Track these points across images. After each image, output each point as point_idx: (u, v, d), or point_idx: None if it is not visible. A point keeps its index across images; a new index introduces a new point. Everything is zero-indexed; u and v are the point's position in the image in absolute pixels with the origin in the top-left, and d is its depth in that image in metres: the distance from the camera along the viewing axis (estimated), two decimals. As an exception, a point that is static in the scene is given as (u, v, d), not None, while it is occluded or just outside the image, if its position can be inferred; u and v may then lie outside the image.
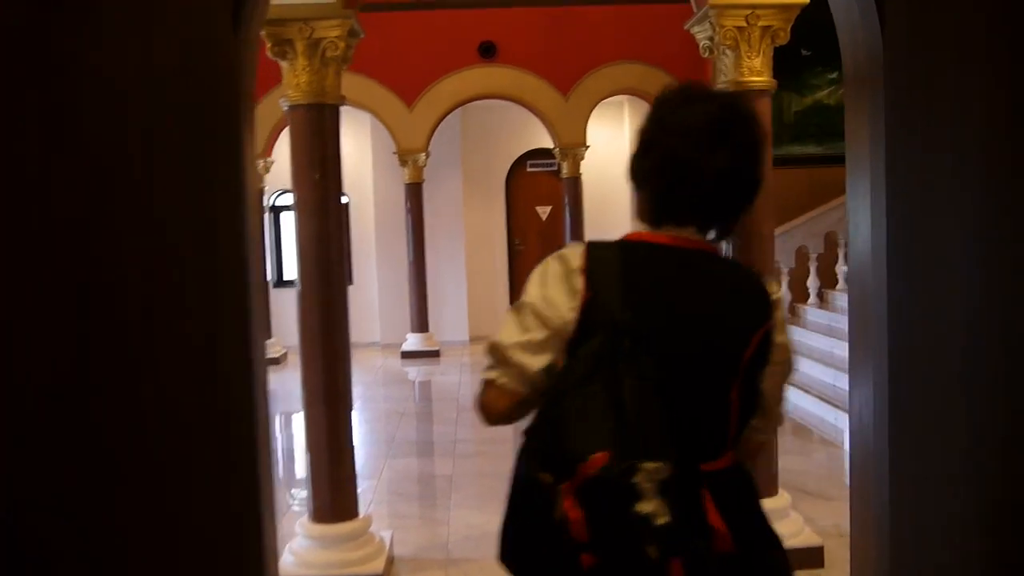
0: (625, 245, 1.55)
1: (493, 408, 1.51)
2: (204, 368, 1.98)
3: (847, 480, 5.36)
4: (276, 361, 10.31)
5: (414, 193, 10.55)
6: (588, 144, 10.56)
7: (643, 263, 1.50)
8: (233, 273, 1.99)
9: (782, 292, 1.68)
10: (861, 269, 2.45)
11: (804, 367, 7.90)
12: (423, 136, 10.40)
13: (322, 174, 3.71)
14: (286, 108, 3.77)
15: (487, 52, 10.35)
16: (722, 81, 3.91)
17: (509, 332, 1.48)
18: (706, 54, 3.98)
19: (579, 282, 1.45)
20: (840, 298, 9.19)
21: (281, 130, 10.57)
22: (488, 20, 10.33)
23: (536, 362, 1.45)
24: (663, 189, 1.53)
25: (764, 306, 1.53)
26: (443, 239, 11.27)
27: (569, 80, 10.45)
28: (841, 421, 6.30)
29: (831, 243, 9.46)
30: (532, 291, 1.49)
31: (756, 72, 3.79)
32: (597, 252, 1.49)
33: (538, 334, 1.45)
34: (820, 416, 6.77)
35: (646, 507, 1.27)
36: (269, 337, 10.51)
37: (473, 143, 11.66)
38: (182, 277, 1.94)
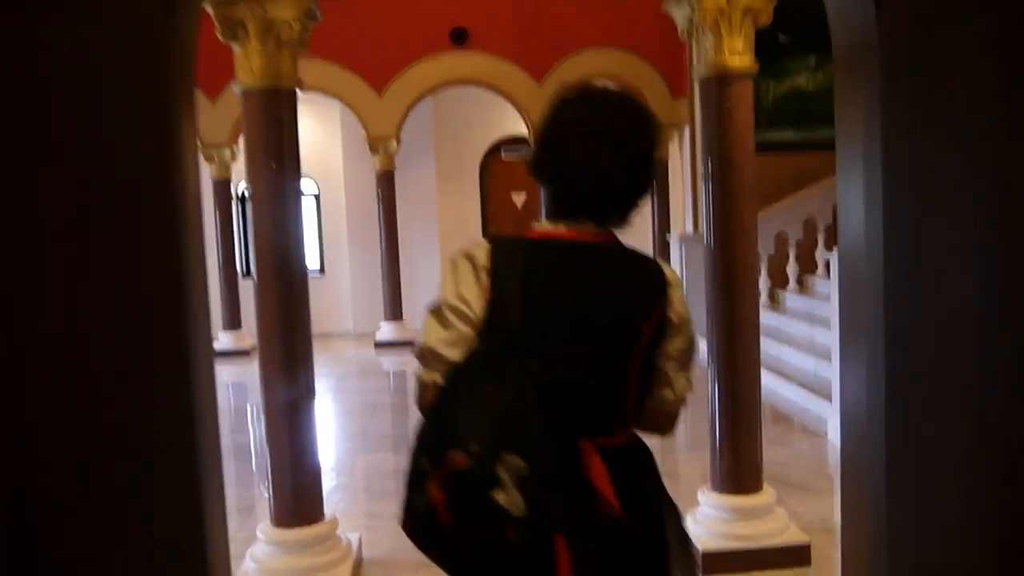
0: (527, 242, 1.63)
1: (423, 400, 1.59)
2: (135, 365, 1.80)
3: (832, 471, 5.31)
4: (245, 353, 10.08)
5: (386, 181, 10.33)
6: (563, 130, 10.36)
7: (542, 259, 1.60)
8: (167, 264, 1.81)
9: (676, 273, 1.72)
10: (853, 254, 2.30)
11: (783, 354, 7.79)
12: (394, 123, 10.17)
13: (278, 162, 3.50)
14: (238, 93, 3.55)
15: (459, 38, 10.13)
16: (703, 63, 3.74)
17: (433, 333, 1.57)
18: (684, 36, 3.82)
19: (485, 280, 1.55)
20: (820, 284, 9.09)
21: (248, 118, 10.29)
22: (460, 5, 10.10)
23: (460, 358, 1.53)
24: (560, 186, 1.62)
25: (658, 289, 1.63)
26: (417, 227, 11.06)
27: (543, 66, 10.25)
28: (823, 410, 6.19)
29: (811, 229, 9.36)
30: (446, 289, 1.58)
31: (738, 54, 3.63)
32: (501, 249, 1.58)
33: (459, 330, 1.54)
34: (801, 405, 6.67)
35: (503, 497, 1.37)
36: (238, 328, 10.28)
37: (446, 131, 11.45)
38: (110, 268, 1.76)
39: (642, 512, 1.64)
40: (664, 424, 1.76)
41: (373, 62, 10.14)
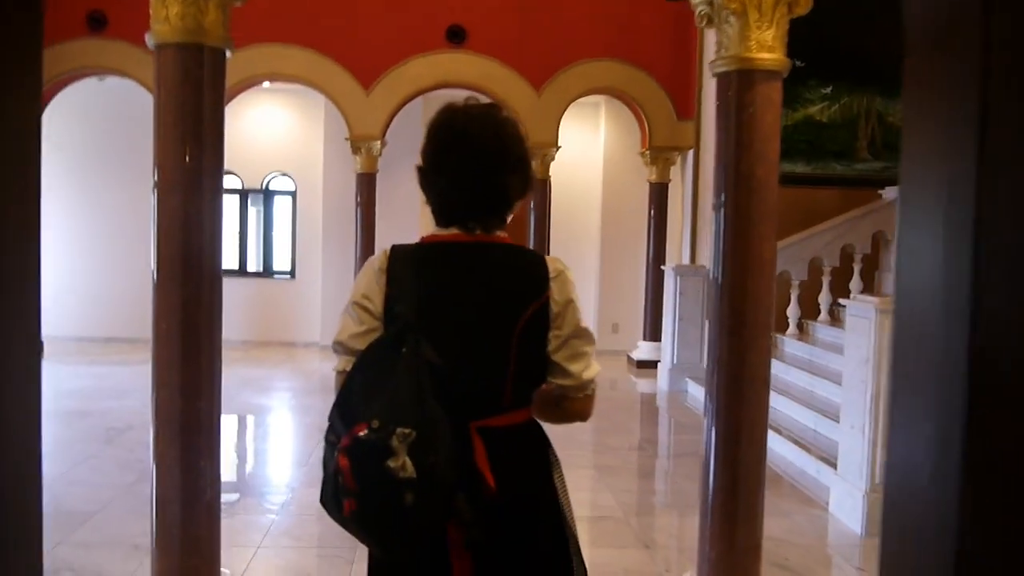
0: (419, 246, 1.83)
1: (338, 386, 1.77)
2: None
3: (832, 552, 4.65)
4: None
5: (366, 184, 9.63)
6: (559, 145, 9.72)
7: (431, 258, 1.80)
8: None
9: (565, 267, 1.84)
10: (918, 303, 1.60)
11: (778, 405, 7.09)
12: (379, 123, 9.50)
13: (195, 138, 2.81)
14: (151, 46, 2.86)
15: (456, 37, 9.49)
16: (722, 57, 3.07)
17: (344, 328, 1.81)
18: (703, 24, 3.15)
19: (383, 280, 1.77)
20: (822, 331, 8.43)
21: (225, 104, 9.61)
22: (459, 2, 9.47)
23: (363, 347, 1.74)
24: (436, 200, 1.82)
25: (538, 282, 1.77)
26: (396, 237, 10.27)
27: (543, 74, 9.61)
28: (824, 475, 5.50)
29: (815, 270, 8.71)
30: (355, 289, 1.81)
31: (766, 48, 2.96)
32: (397, 255, 1.80)
33: (366, 324, 1.77)
34: (798, 466, 5.97)
35: (395, 463, 1.56)
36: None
37: (436, 135, 10.77)
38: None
39: (521, 490, 1.78)
40: (572, 410, 1.90)
41: (362, 55, 9.49)
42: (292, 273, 10.95)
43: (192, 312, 2.85)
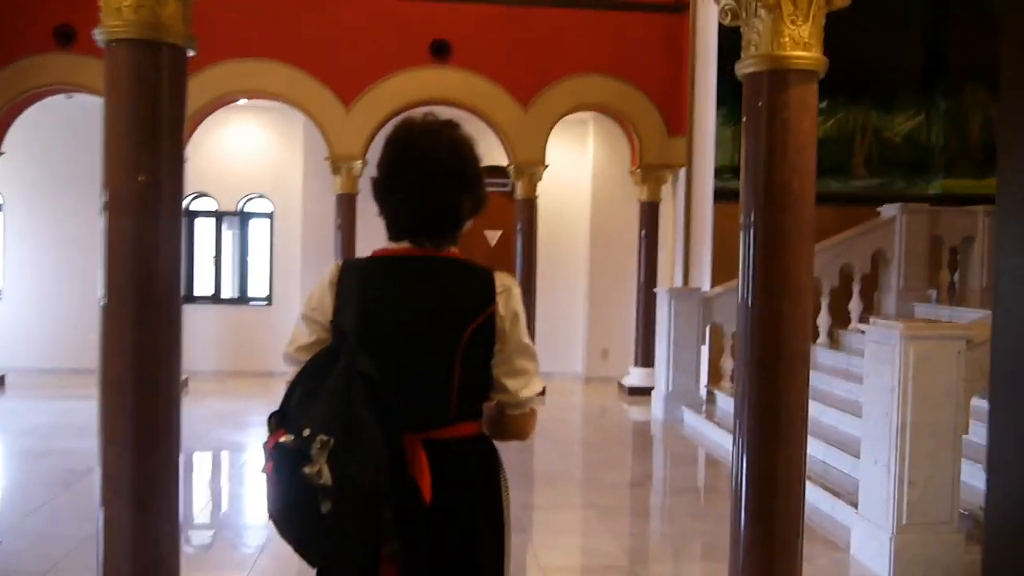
0: (369, 259, 1.90)
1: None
2: None
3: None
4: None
5: (346, 205, 9.25)
6: (547, 163, 9.39)
7: (378, 272, 1.86)
8: None
9: (514, 283, 1.87)
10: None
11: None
12: (360, 142, 9.13)
13: (150, 149, 2.43)
14: (101, 43, 2.48)
15: (440, 51, 9.16)
16: (752, 56, 2.73)
17: (295, 339, 1.86)
18: (728, 19, 2.80)
19: (332, 293, 1.83)
20: (823, 354, 8.10)
21: (197, 124, 9.24)
22: (443, 16, 9.15)
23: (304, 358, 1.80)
24: (383, 214, 1.90)
25: (484, 296, 1.83)
26: (378, 260, 9.91)
27: (530, 90, 9.29)
28: (840, 512, 5.13)
29: (814, 293, 8.39)
30: (307, 302, 1.88)
31: (801, 45, 2.62)
32: (347, 268, 1.87)
33: (314, 336, 1.83)
34: (811, 502, 5.57)
35: (311, 469, 1.57)
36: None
37: (419, 155, 10.41)
38: None
39: (461, 503, 1.80)
40: (510, 428, 1.92)
41: (343, 71, 9.13)
42: (269, 299, 10.52)
43: (147, 354, 2.44)
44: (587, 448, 6.91)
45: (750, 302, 2.70)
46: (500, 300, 1.83)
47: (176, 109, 2.55)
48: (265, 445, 1.68)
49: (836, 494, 5.34)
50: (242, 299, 10.57)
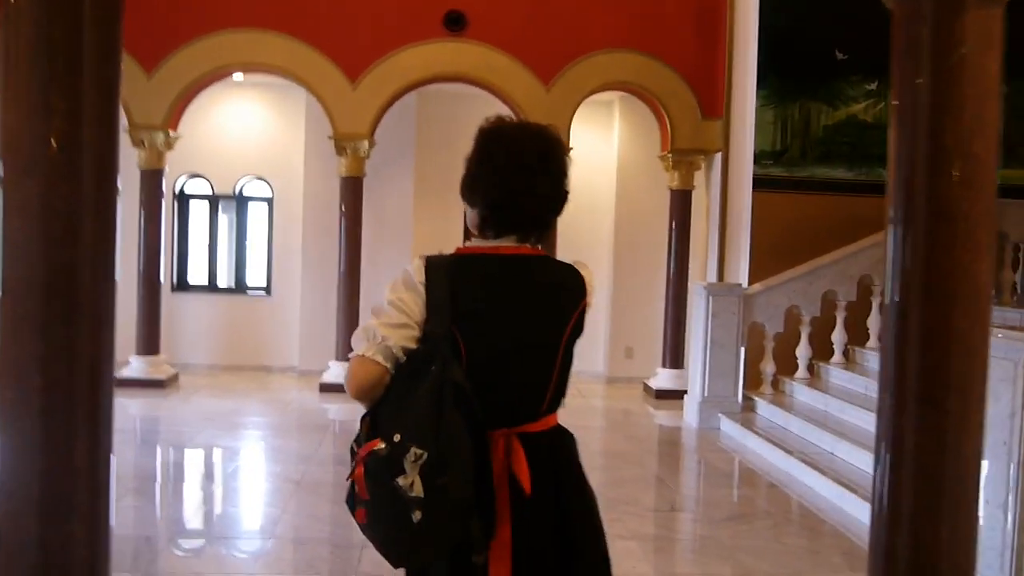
0: (456, 258, 1.87)
1: (362, 378, 1.77)
2: None
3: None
4: (160, 384, 8.16)
5: (352, 189, 8.50)
6: (572, 146, 8.61)
7: (472, 273, 1.83)
8: None
9: (590, 270, 1.92)
10: None
11: (840, 451, 5.98)
12: (367, 120, 8.38)
13: (66, 86, 1.69)
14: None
15: (455, 23, 8.39)
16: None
17: (388, 316, 1.79)
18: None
19: (421, 291, 1.78)
20: (874, 359, 7.35)
21: (189, 99, 8.51)
22: (459, -16, 8.38)
23: (399, 342, 1.77)
24: (494, 209, 1.84)
25: (580, 290, 1.90)
26: (385, 249, 9.19)
27: (552, 67, 8.53)
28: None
29: (864, 290, 7.64)
30: (390, 295, 1.82)
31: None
32: (433, 265, 1.81)
33: (401, 319, 1.77)
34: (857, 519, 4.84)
35: (404, 481, 1.62)
36: (155, 352, 8.38)
37: (430, 135, 9.66)
38: None
39: (558, 491, 1.83)
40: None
41: (349, 44, 8.38)
42: (268, 289, 9.78)
43: (59, 373, 1.71)
44: (617, 461, 6.16)
45: (903, 311, 1.95)
46: (590, 293, 1.91)
47: (106, 33, 1.80)
48: (356, 452, 1.73)
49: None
50: (239, 288, 9.84)
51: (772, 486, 5.64)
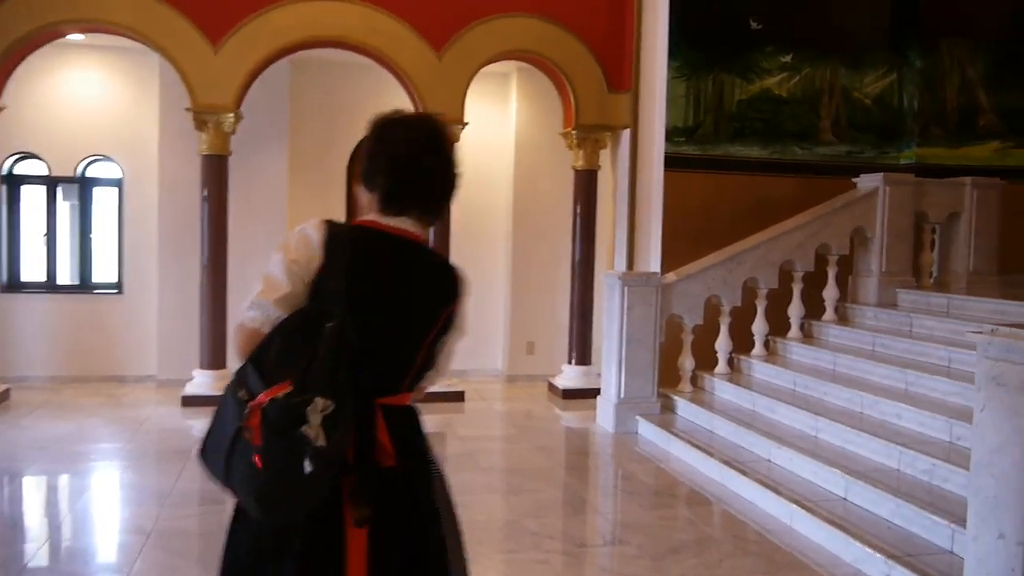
0: (357, 228, 1.95)
1: (249, 345, 1.84)
2: None
3: None
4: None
5: (215, 169, 7.37)
6: (466, 121, 7.76)
7: (367, 245, 1.91)
8: None
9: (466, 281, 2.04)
10: None
11: (780, 459, 5.38)
12: (232, 90, 7.27)
13: None
14: None
15: (332, -20, 7.36)
16: None
17: (275, 287, 1.86)
18: None
19: (318, 253, 1.85)
20: (797, 350, 6.83)
21: (15, 63, 7.19)
22: (336, -65, 7.35)
23: (283, 311, 1.84)
24: (396, 186, 1.94)
25: (454, 289, 2.00)
26: (255, 238, 8.08)
27: (445, 32, 7.63)
28: (871, 566, 3.78)
29: (785, 276, 7.12)
30: (282, 256, 1.87)
31: None
32: (334, 231, 1.88)
33: (290, 288, 1.85)
34: (816, 544, 4.20)
35: (310, 431, 1.67)
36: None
37: (306, 109, 8.60)
38: None
39: (414, 462, 1.94)
40: (420, 396, 2.06)
41: (210, 1, 7.23)
42: (119, 287, 8.50)
43: None
44: (532, 480, 5.38)
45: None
46: (463, 297, 2.01)
47: None
48: (244, 396, 1.74)
49: (853, 536, 3.98)
50: (84, 286, 8.52)
51: (711, 503, 4.99)
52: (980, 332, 3.10)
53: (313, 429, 1.66)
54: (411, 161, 1.93)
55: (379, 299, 1.88)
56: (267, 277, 1.87)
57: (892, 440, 4.93)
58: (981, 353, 3.11)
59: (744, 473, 5.21)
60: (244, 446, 1.70)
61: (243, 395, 1.75)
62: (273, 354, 1.77)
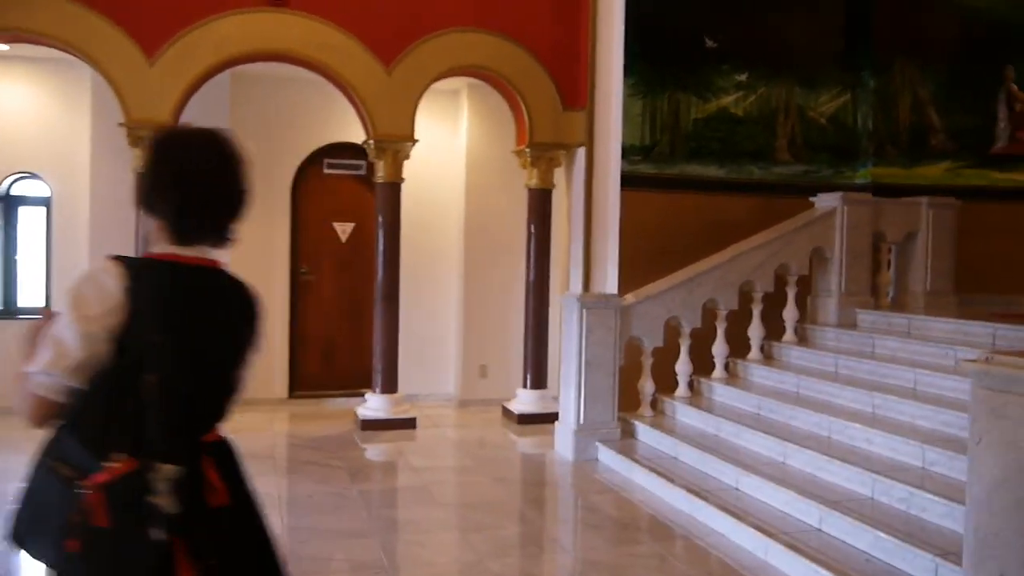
0: (157, 264, 1.77)
1: (43, 415, 1.68)
2: None
3: None
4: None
5: (151, 188, 6.97)
6: (416, 139, 7.49)
7: (173, 284, 1.76)
8: None
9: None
10: None
11: (748, 486, 5.18)
12: (168, 105, 6.89)
13: None
14: None
15: (276, -9, 7.06)
16: None
17: (59, 357, 1.65)
18: None
19: (119, 304, 1.65)
20: (757, 372, 6.68)
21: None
22: (281, -56, 7.05)
23: (77, 378, 1.66)
24: (182, 212, 1.76)
25: (258, 313, 1.92)
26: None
27: (394, 47, 7.37)
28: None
29: (745, 297, 6.98)
30: (73, 316, 1.65)
31: None
32: (134, 273, 1.68)
33: (82, 355, 1.65)
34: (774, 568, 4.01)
35: (160, 500, 1.60)
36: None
37: (247, 126, 8.22)
38: None
39: (241, 497, 1.83)
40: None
41: (144, 12, 6.86)
42: (46, 311, 8.00)
43: None
44: (494, 516, 5.09)
45: None
46: (263, 315, 1.92)
47: None
48: (69, 474, 1.63)
49: (815, 561, 3.78)
50: (7, 312, 8.00)
51: (679, 536, 4.76)
52: (975, 360, 2.92)
53: (162, 498, 1.60)
54: (202, 182, 1.78)
55: (197, 341, 1.76)
56: (56, 341, 1.65)
57: (865, 467, 4.78)
58: (977, 383, 2.94)
59: (712, 503, 5.00)
60: (82, 526, 1.59)
61: (67, 472, 1.63)
62: (92, 422, 1.64)
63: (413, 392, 8.39)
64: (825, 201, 7.16)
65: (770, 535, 4.47)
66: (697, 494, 5.16)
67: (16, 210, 8.02)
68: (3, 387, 7.28)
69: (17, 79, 7.80)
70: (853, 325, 6.93)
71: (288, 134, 8.38)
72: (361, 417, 7.40)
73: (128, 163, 7.03)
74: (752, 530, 4.57)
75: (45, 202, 7.97)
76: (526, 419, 7.72)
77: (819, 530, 4.51)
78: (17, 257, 8.04)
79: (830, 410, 5.64)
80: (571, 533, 5.02)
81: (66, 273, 7.85)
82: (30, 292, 8.07)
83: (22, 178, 7.96)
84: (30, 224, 8.08)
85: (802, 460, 5.23)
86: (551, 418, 7.39)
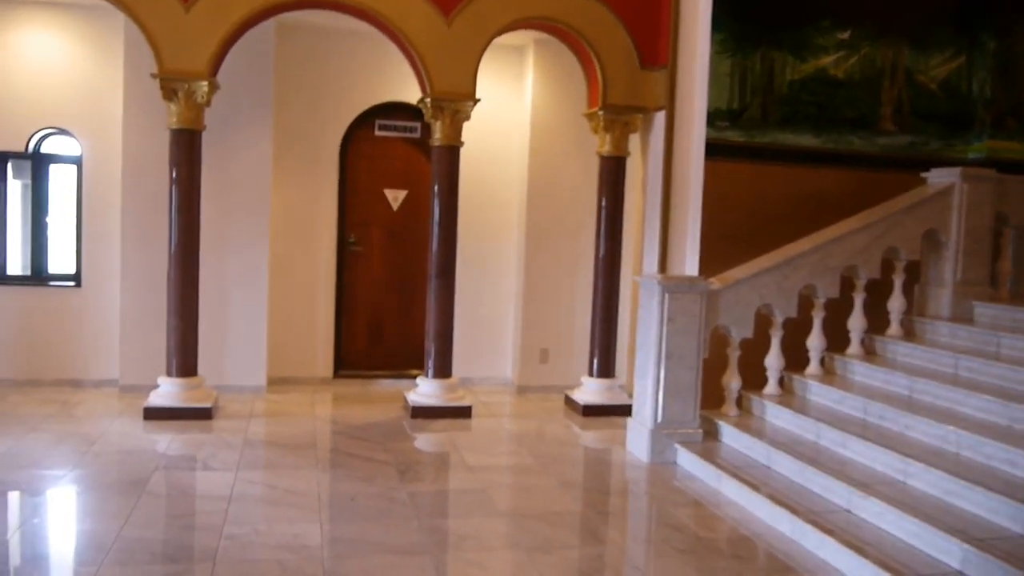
0: None
1: None
2: None
3: None
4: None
5: (186, 146, 6.34)
6: (478, 97, 6.75)
7: None
8: None
9: None
10: None
11: (837, 495, 4.41)
12: (206, 54, 6.24)
13: None
14: None
15: (327, -71, 6.34)
16: None
17: None
18: None
19: None
20: (860, 369, 5.85)
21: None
22: None
23: None
24: None
25: None
26: (234, 224, 7.10)
27: (455, -5, 6.62)
28: None
29: (846, 284, 6.17)
30: None
31: None
32: None
33: None
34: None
35: None
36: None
37: (293, 82, 7.57)
38: None
39: None
40: None
41: (181, -50, 6.20)
42: (77, 278, 7.45)
43: None
44: (557, 530, 4.42)
45: None
46: None
47: None
48: None
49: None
50: (37, 278, 7.47)
51: (789, 570, 4.03)
52: None
53: None
54: None
55: None
56: None
57: (1009, 494, 3.99)
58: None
59: (821, 529, 4.26)
60: None
61: None
62: None
63: (467, 376, 7.74)
64: (940, 177, 6.29)
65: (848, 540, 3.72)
66: (803, 516, 4.42)
67: (46, 169, 7.45)
68: (32, 357, 6.74)
69: (46, 27, 7.20)
70: (970, 320, 6.09)
71: (337, 92, 7.69)
72: (411, 403, 6.76)
73: (163, 119, 6.41)
74: (877, 568, 3.82)
75: (76, 160, 7.39)
76: (591, 411, 7.02)
77: (961, 573, 3.75)
78: (47, 219, 7.48)
79: (955, 420, 4.84)
80: (655, 557, 4.31)
81: (98, 237, 7.28)
82: (60, 257, 7.52)
83: (51, 135, 7.37)
84: (60, 184, 7.50)
85: (928, 481, 4.45)
86: (619, 411, 6.68)
